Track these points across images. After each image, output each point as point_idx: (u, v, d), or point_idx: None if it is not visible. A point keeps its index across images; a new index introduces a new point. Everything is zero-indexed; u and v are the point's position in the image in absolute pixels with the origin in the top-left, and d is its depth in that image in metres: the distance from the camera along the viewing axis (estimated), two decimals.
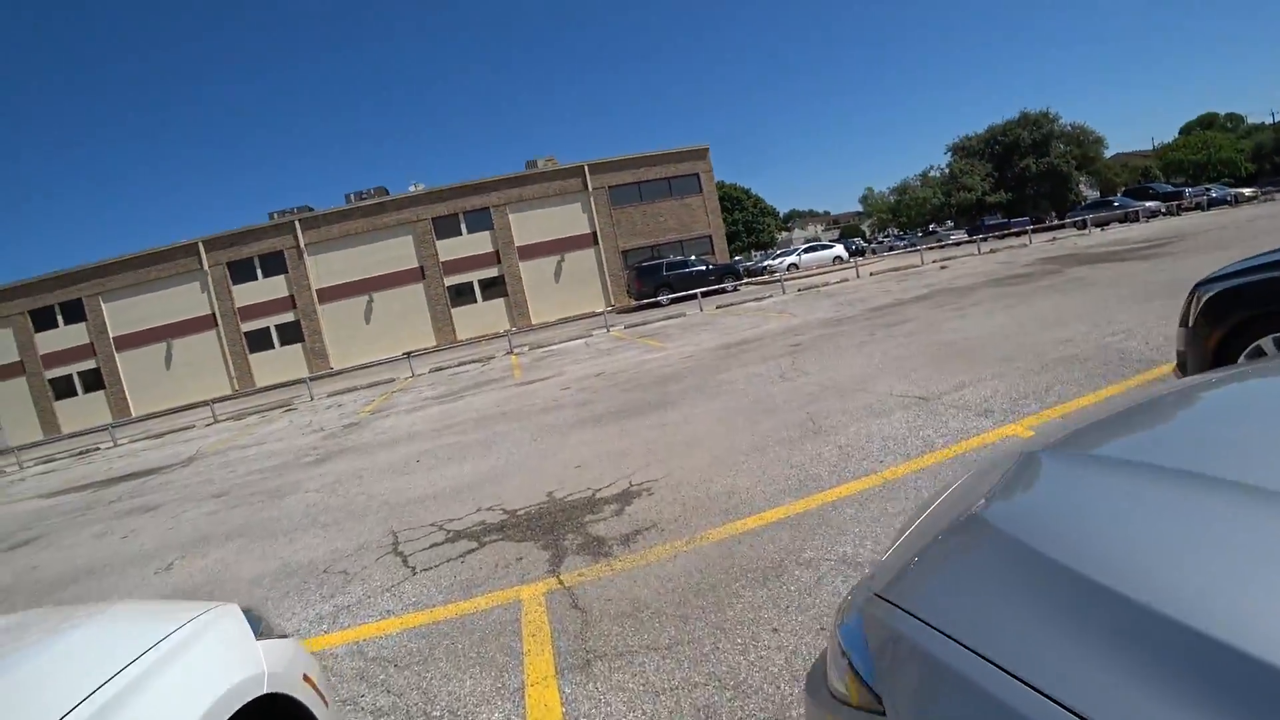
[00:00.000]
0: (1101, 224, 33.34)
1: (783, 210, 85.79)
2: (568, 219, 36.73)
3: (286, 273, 34.87)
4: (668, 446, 5.86)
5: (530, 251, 36.35)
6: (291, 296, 34.99)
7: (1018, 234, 35.69)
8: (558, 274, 36.82)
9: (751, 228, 61.75)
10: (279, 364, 34.61)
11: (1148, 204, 35.47)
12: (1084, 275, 13.04)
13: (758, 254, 56.99)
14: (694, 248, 36.64)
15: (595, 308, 34.56)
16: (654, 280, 27.00)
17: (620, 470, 5.41)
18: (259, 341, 35.22)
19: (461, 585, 3.78)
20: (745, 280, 30.16)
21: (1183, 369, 4.59)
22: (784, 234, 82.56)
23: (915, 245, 42.77)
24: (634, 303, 27.56)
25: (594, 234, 36.94)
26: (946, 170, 56.03)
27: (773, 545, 3.49)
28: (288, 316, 35.18)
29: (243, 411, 20.17)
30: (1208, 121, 79.97)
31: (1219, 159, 63.60)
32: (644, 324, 19.44)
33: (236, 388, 34.19)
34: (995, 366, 6.54)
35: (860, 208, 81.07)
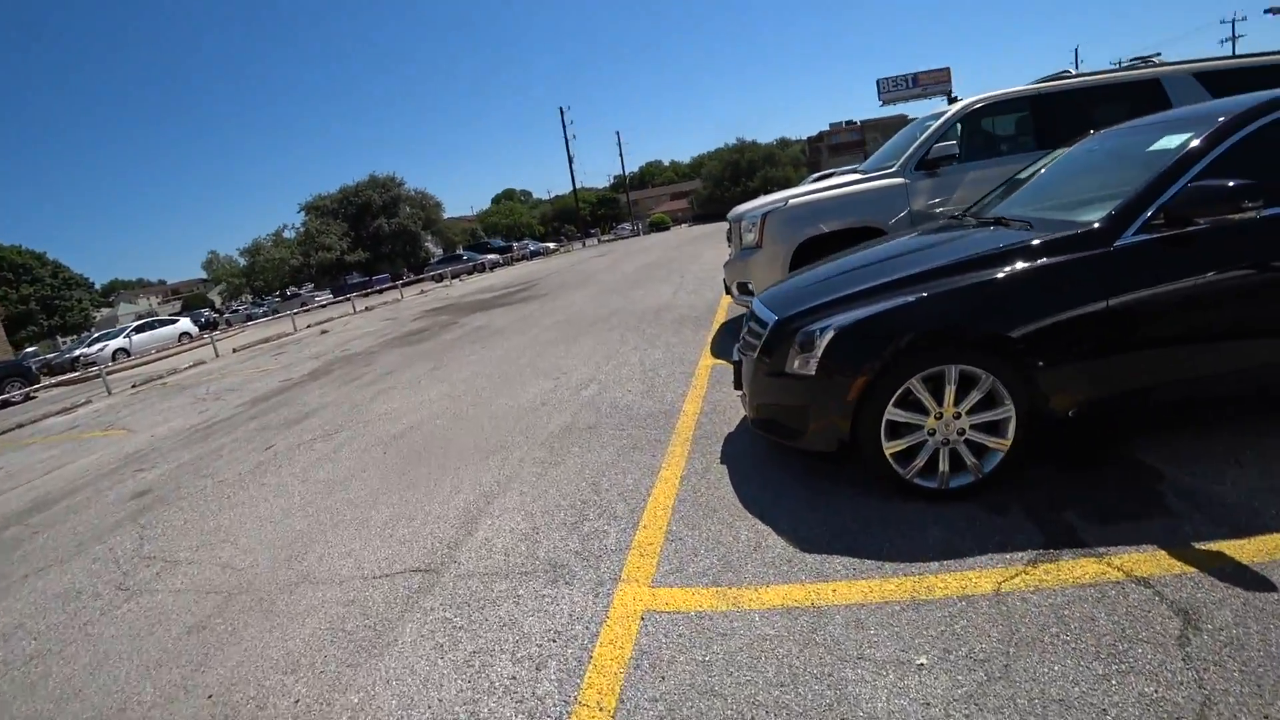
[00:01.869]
0: (457, 275, 35.99)
1: (101, 281, 69.04)
2: None
3: None
4: None
5: None
6: None
7: (384, 290, 35.65)
8: None
9: (53, 306, 47.30)
10: None
11: (489, 256, 40.10)
12: (485, 323, 12.40)
13: (67, 340, 43.30)
14: None
15: None
16: None
17: None
18: None
19: None
20: (45, 384, 20.20)
21: (788, 435, 3.32)
22: (106, 311, 66.10)
23: (279, 310, 38.99)
24: None
25: None
26: (303, 229, 53.31)
27: None
28: None
29: None
30: (509, 195, 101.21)
31: (521, 222, 79.35)
32: None
33: None
34: (489, 465, 4.45)
35: (205, 274, 70.93)
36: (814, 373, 3.03)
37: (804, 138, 78.15)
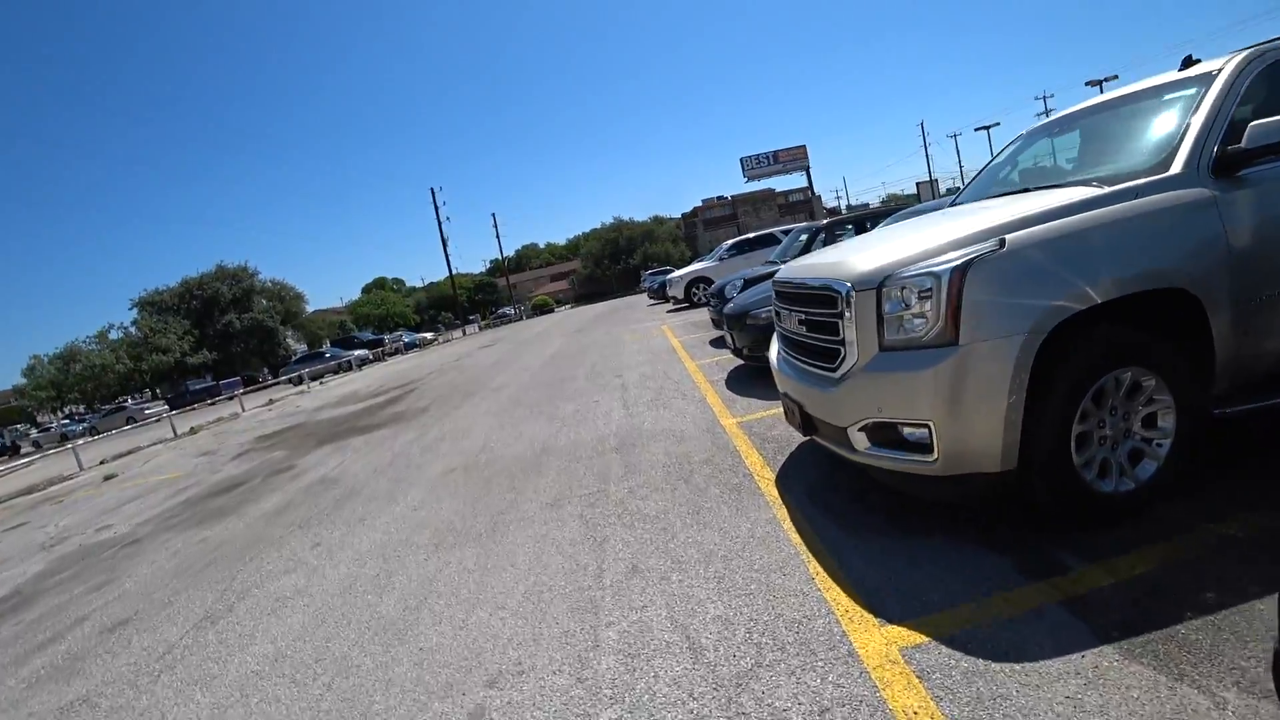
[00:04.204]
0: (317, 376, 30.55)
1: None
2: None
3: None
4: None
5: None
6: None
7: (226, 399, 29.54)
8: None
9: None
10: None
11: (356, 352, 34.86)
12: (334, 472, 7.99)
13: None
14: None
15: None
16: None
17: None
18: None
19: None
20: None
21: None
22: None
23: (98, 429, 31.91)
24: None
25: None
26: (134, 329, 45.40)
27: None
28: None
29: None
30: (380, 284, 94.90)
31: (394, 312, 73.32)
32: None
33: None
34: None
35: (26, 383, 58.40)
36: None
37: (679, 215, 77.55)
